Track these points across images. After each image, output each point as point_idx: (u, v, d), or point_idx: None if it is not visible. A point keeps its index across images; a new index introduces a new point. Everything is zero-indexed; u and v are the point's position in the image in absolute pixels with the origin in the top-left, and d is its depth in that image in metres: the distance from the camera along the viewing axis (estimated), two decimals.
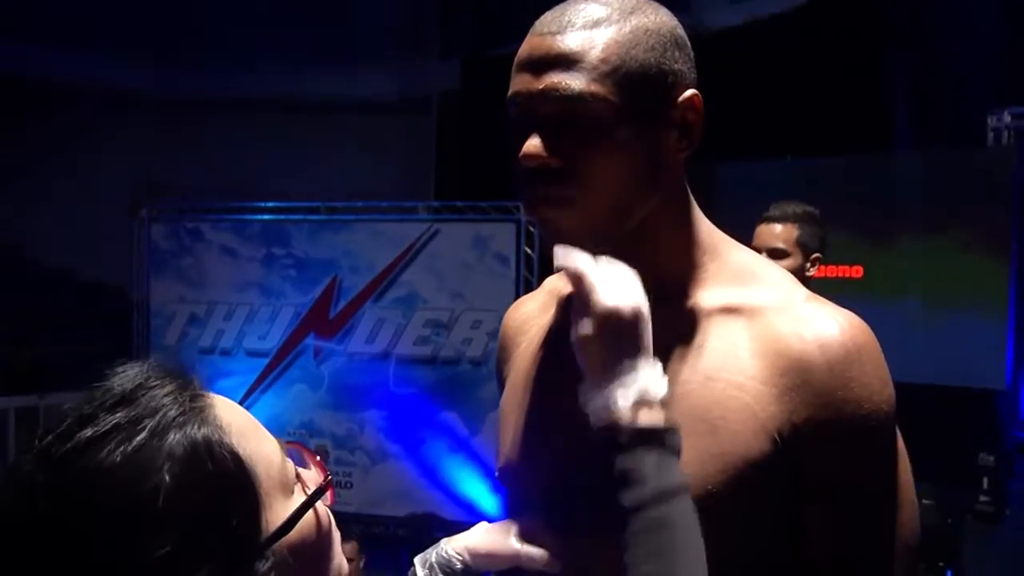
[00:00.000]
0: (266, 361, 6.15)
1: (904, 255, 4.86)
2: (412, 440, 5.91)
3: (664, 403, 0.87)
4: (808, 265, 2.42)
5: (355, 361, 6.04)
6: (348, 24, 9.07)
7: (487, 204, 5.86)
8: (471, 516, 4.84)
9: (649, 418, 0.86)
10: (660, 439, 0.85)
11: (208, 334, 6.25)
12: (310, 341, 6.11)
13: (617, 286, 0.88)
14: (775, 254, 2.37)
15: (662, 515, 0.82)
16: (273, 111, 8.81)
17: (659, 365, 0.89)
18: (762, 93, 5.67)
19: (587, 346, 0.88)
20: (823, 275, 2.53)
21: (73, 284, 9.39)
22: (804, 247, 2.40)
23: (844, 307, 0.97)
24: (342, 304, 6.07)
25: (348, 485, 5.94)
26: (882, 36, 5.41)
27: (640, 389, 0.87)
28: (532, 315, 1.18)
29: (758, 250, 2.38)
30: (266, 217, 6.38)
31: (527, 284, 5.40)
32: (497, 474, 1.11)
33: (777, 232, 2.40)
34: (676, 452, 0.86)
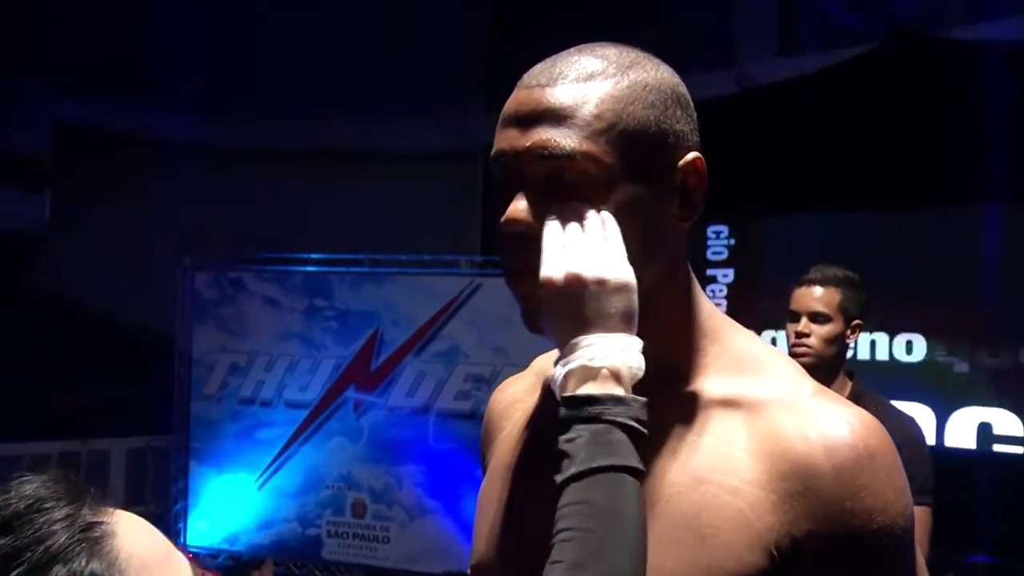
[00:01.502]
0: (306, 413, 6.15)
1: None
2: (451, 496, 5.87)
3: (617, 374, 0.79)
4: (848, 332, 2.37)
5: (395, 415, 6.03)
6: (395, 75, 9.22)
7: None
8: None
9: (590, 389, 0.78)
10: (597, 411, 0.77)
11: (249, 384, 6.29)
12: (350, 394, 6.12)
13: (569, 253, 0.81)
14: (816, 318, 2.32)
15: (585, 496, 0.75)
16: (318, 161, 8.96)
17: (627, 337, 0.81)
18: (811, 147, 5.66)
19: (542, 322, 0.84)
20: None
21: (118, 330, 9.53)
22: (846, 312, 2.34)
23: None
24: (383, 357, 6.08)
25: (385, 540, 5.90)
26: (936, 87, 5.37)
27: (576, 360, 0.79)
28: (518, 398, 1.11)
29: (796, 313, 2.35)
30: (309, 268, 6.44)
31: None
32: (469, 572, 1.03)
33: (819, 295, 2.34)
34: (623, 426, 0.77)
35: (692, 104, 0.91)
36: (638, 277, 0.84)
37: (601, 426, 0.77)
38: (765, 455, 0.83)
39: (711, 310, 0.95)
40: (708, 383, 0.90)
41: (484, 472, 1.11)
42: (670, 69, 0.91)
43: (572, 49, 0.90)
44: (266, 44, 9.20)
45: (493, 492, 1.03)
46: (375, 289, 6.17)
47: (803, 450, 0.82)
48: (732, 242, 5.37)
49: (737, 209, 5.12)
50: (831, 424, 0.83)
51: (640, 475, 0.78)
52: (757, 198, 5.26)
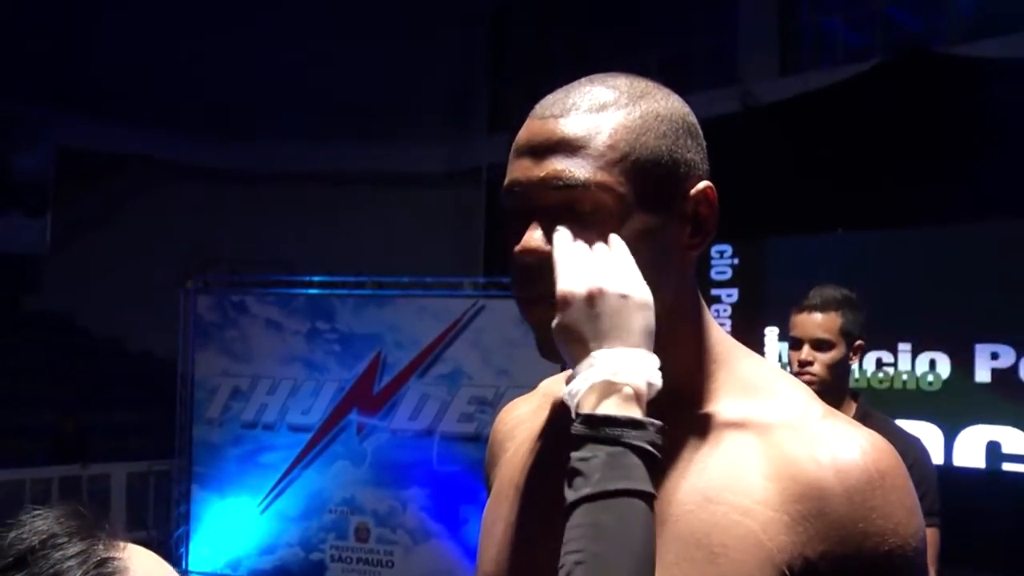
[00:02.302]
0: (309, 436, 6.15)
1: None
2: (456, 519, 5.85)
3: (639, 394, 0.80)
4: (851, 354, 2.36)
5: (398, 438, 6.02)
6: (398, 98, 9.26)
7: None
8: None
9: (608, 408, 0.78)
10: (616, 433, 0.77)
11: (251, 408, 6.28)
12: (353, 417, 6.11)
13: (589, 268, 0.82)
14: (819, 345, 2.31)
15: (597, 519, 0.74)
16: (319, 184, 8.99)
17: (645, 353, 0.82)
18: (814, 166, 5.67)
19: (557, 338, 0.83)
20: None
21: (121, 354, 9.55)
22: (848, 335, 2.33)
23: None
24: (386, 380, 6.08)
25: (389, 564, 5.87)
26: (941, 104, 5.38)
27: (599, 374, 0.79)
28: (523, 418, 1.11)
29: (798, 341, 2.34)
30: (312, 291, 6.46)
31: None
32: None
33: (820, 321, 2.33)
34: (639, 450, 0.77)
35: (701, 133, 0.92)
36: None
37: (618, 448, 0.77)
38: (777, 477, 0.84)
39: (721, 335, 0.96)
40: (719, 407, 0.91)
41: (488, 492, 1.11)
42: (680, 99, 0.92)
43: (583, 79, 0.92)
44: (267, 66, 9.25)
45: (499, 513, 1.03)
46: (378, 311, 6.17)
47: (815, 472, 0.83)
48: (736, 262, 5.37)
49: (741, 229, 5.12)
50: (842, 446, 0.84)
51: (651, 501, 0.78)
52: (761, 217, 5.27)
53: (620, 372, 0.79)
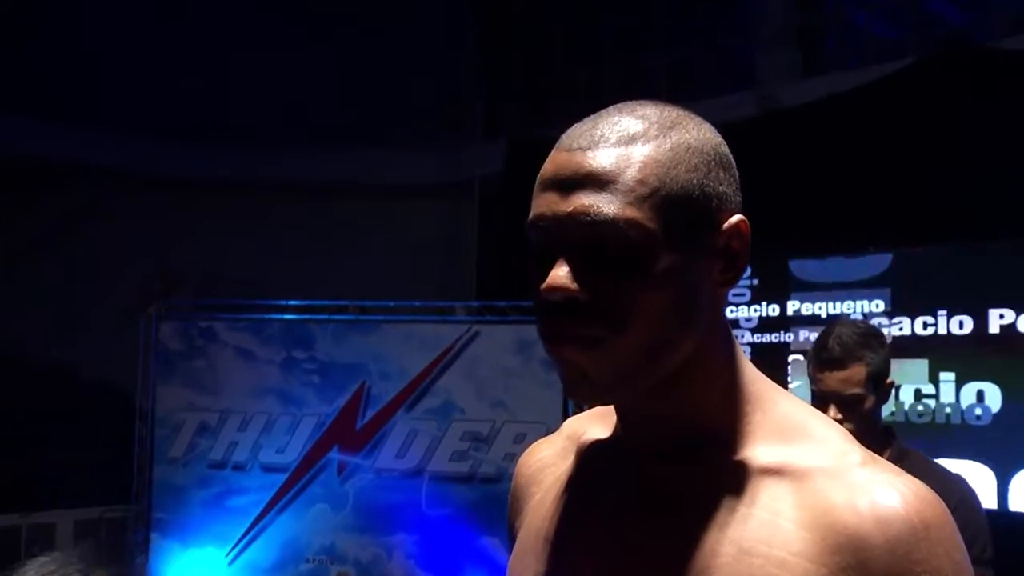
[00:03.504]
0: (284, 477, 6.14)
1: None
2: (447, 568, 5.83)
3: None
4: (883, 395, 2.37)
5: (384, 478, 6.01)
6: (381, 102, 9.27)
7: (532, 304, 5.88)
8: None
9: None
10: None
11: (219, 446, 6.27)
12: (334, 455, 6.11)
13: None
14: (847, 403, 2.31)
15: None
16: (297, 196, 8.98)
17: None
18: (842, 177, 5.68)
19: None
20: None
21: (70, 387, 9.48)
22: (877, 380, 2.34)
23: None
24: (370, 414, 6.08)
25: None
26: (991, 106, 5.35)
27: None
28: (548, 462, 1.15)
29: (824, 397, 2.34)
30: (288, 316, 6.46)
31: None
32: None
33: (844, 378, 2.32)
34: None
35: (734, 163, 0.97)
36: (682, 346, 0.92)
37: None
38: (814, 527, 0.87)
39: (754, 375, 1.01)
40: (753, 451, 0.95)
41: (511, 542, 1.15)
42: (711, 127, 0.97)
43: (611, 108, 0.97)
44: (236, 64, 9.27)
45: (527, 564, 1.06)
46: (361, 339, 6.18)
47: (854, 522, 0.86)
48: (755, 283, 5.38)
49: (760, 246, 5.12)
50: (882, 495, 0.87)
51: None
52: (782, 233, 5.27)
53: None
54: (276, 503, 6.13)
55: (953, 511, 0.90)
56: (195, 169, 9.25)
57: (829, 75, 6.86)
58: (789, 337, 5.28)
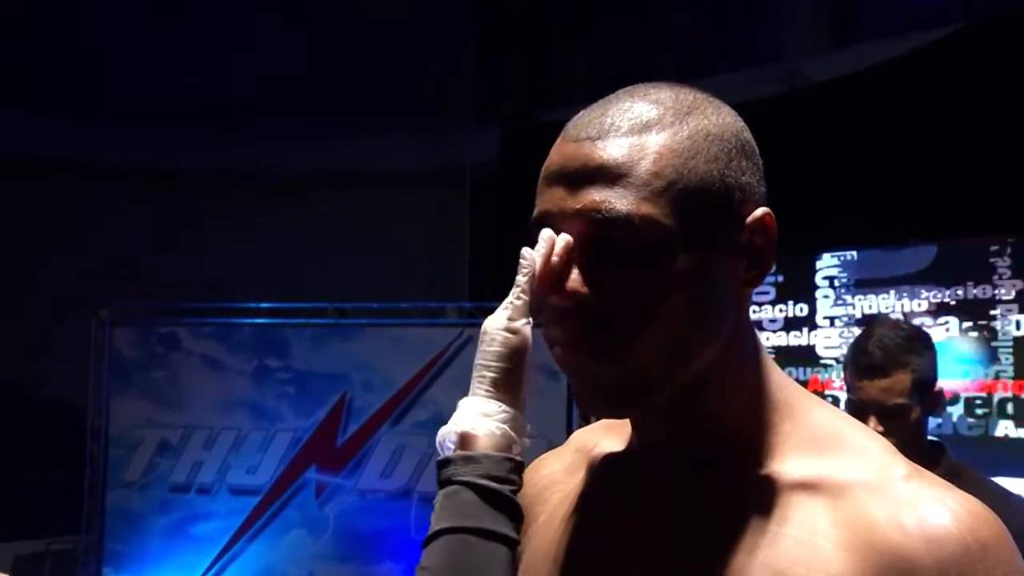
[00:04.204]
0: (256, 501, 6.15)
1: None
2: None
3: (469, 437, 0.99)
4: (930, 405, 2.37)
5: (368, 500, 6.03)
6: (362, 83, 9.25)
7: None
8: None
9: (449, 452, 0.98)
10: (448, 474, 0.96)
11: (182, 467, 6.27)
12: (311, 475, 6.11)
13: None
14: (889, 414, 2.31)
15: (425, 563, 0.96)
16: (270, 187, 8.95)
17: (478, 399, 1.06)
18: (877, 160, 5.68)
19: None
20: None
21: (14, 402, 9.46)
22: (922, 387, 2.33)
23: None
24: (352, 429, 6.10)
25: None
26: None
27: (450, 427, 1.00)
28: (555, 479, 1.17)
29: (863, 408, 2.33)
30: (259, 320, 6.46)
31: None
32: None
33: (886, 386, 2.32)
34: (472, 484, 0.94)
35: (757, 151, 0.98)
36: (703, 351, 0.93)
37: (451, 488, 0.97)
38: (854, 547, 0.86)
39: (782, 380, 1.01)
40: (784, 464, 0.95)
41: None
42: (732, 111, 0.97)
43: (621, 92, 0.97)
44: (200, 44, 9.25)
45: None
46: (341, 345, 6.19)
47: (899, 542, 0.85)
48: (780, 279, 5.38)
49: (786, 237, 5.11)
50: (931, 512, 0.86)
51: (482, 532, 0.93)
52: (811, 223, 5.27)
53: (459, 422, 1.02)
54: (247, 530, 6.14)
55: (1016, 536, 0.89)
56: (152, 159, 9.20)
57: (862, 45, 6.84)
58: (817, 339, 5.29)
